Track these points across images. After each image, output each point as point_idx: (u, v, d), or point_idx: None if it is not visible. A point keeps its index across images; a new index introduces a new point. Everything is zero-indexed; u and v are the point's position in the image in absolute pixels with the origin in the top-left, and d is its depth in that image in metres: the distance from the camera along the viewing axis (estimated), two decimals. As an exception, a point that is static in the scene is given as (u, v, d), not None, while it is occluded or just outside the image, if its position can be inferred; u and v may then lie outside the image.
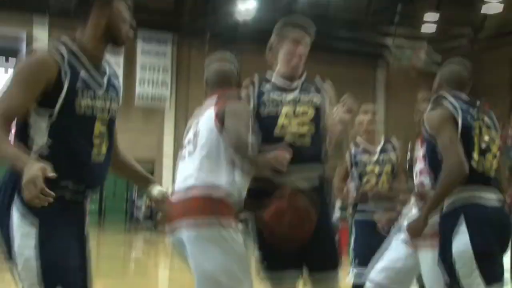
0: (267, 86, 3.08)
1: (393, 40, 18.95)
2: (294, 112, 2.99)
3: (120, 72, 19.33)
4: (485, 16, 19.32)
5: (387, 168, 4.43)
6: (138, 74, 20.71)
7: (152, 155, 20.20)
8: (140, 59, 20.65)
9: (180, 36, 20.75)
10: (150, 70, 20.83)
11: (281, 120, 2.97)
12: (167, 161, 20.43)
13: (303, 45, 3.11)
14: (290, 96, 3.02)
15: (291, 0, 16.96)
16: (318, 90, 3.14)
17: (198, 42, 20.30)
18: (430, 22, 20.00)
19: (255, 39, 19.84)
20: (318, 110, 3.06)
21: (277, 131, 2.95)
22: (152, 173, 19.37)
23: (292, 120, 2.97)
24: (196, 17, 19.29)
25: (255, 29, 18.87)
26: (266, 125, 2.94)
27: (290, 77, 3.11)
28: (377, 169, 4.42)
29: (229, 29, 19.08)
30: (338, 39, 20.10)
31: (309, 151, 2.94)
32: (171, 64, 21.25)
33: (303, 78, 3.14)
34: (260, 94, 3.04)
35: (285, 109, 2.98)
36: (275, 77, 3.10)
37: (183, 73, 21.47)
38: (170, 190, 2.71)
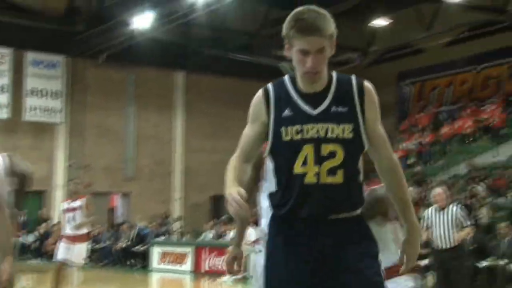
0: None
1: (286, 64, 19.56)
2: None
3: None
4: (375, 31, 20.42)
5: None
6: (28, 96, 20.04)
7: (42, 174, 19.46)
8: (29, 81, 20.01)
9: (74, 55, 20.24)
10: (40, 93, 20.19)
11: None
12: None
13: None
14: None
15: (187, 21, 17.07)
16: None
17: (94, 61, 19.93)
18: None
19: (151, 57, 19.67)
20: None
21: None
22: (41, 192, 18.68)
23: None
24: (91, 35, 18.92)
25: (151, 48, 18.72)
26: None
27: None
28: None
29: (125, 47, 18.85)
30: (234, 60, 20.43)
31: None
32: (63, 84, 20.67)
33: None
34: None
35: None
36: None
37: (78, 91, 20.99)
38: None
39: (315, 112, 2.31)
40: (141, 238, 17.67)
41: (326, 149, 2.29)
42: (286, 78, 2.41)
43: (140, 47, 18.62)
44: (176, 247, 16.39)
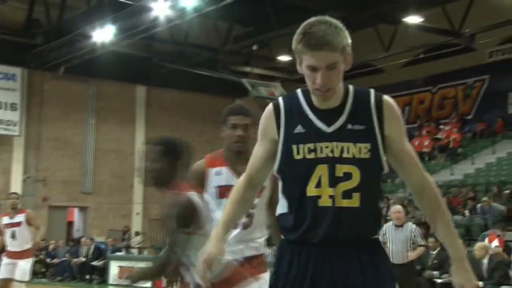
0: None
1: (248, 81, 19.70)
2: None
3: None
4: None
5: None
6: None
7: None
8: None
9: (33, 67, 19.95)
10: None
11: None
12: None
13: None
14: None
15: (149, 36, 17.06)
16: None
17: (53, 74, 19.69)
18: (283, 63, 21.05)
19: (113, 70, 19.56)
20: None
21: None
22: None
23: None
24: (51, 48, 18.69)
25: (113, 61, 18.61)
26: None
27: None
28: None
29: (86, 60, 18.68)
30: (197, 75, 20.46)
31: None
32: (21, 97, 20.30)
33: None
34: None
35: None
36: None
37: (35, 104, 20.65)
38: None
39: (330, 129, 2.12)
40: (99, 253, 17.42)
41: (340, 170, 2.10)
42: (299, 91, 2.21)
43: (101, 60, 18.47)
44: (135, 262, 16.19)
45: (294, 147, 2.13)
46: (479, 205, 14.45)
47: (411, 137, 20.38)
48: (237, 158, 3.35)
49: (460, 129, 19.68)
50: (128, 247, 18.90)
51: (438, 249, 11.24)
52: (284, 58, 20.28)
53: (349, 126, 2.12)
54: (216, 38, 18.55)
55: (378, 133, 2.13)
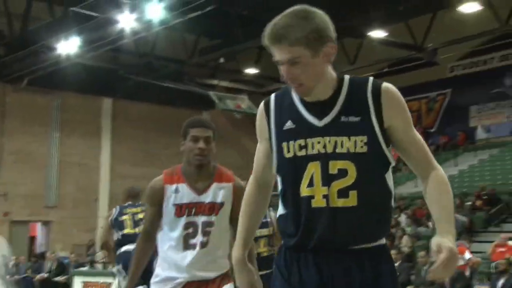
0: None
1: (215, 93, 19.69)
2: None
3: None
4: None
5: None
6: None
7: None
8: None
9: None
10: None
11: None
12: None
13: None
14: None
15: (115, 48, 16.91)
16: None
17: (15, 86, 19.34)
18: (250, 76, 21.11)
19: (78, 82, 19.34)
20: None
21: None
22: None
23: None
24: (14, 59, 18.36)
25: (78, 73, 18.39)
26: None
27: None
28: None
29: (50, 72, 18.40)
30: (163, 88, 20.36)
31: None
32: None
33: None
34: None
35: None
36: None
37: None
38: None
39: (321, 123, 1.94)
40: (62, 268, 17.06)
41: (334, 166, 1.91)
42: None
43: (66, 72, 18.21)
44: (99, 277, 15.90)
45: (284, 144, 1.97)
46: (442, 217, 14.62)
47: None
48: (197, 173, 3.22)
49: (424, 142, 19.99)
50: (92, 262, 18.57)
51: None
52: (250, 71, 20.33)
53: (343, 118, 1.93)
54: (182, 50, 18.50)
55: (376, 124, 1.93)
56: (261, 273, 5.46)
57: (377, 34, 17.54)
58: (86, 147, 21.92)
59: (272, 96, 2.06)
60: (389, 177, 2.02)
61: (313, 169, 1.94)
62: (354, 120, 1.93)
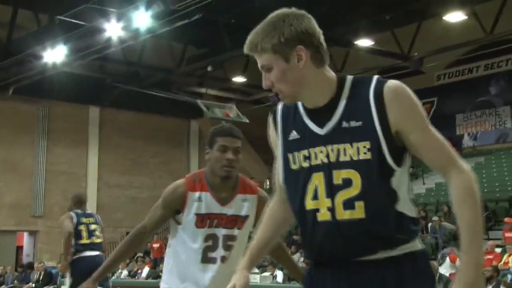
0: None
1: (203, 102, 19.67)
2: None
3: None
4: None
5: None
6: None
7: None
8: None
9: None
10: None
11: None
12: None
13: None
14: None
15: (102, 56, 16.84)
16: None
17: (1, 95, 19.13)
18: (238, 84, 21.11)
19: (65, 91, 19.23)
20: None
21: None
22: None
23: None
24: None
25: (65, 81, 18.28)
26: None
27: None
28: None
29: (37, 81, 18.28)
30: (151, 96, 20.31)
31: None
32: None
33: None
34: None
35: None
36: None
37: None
38: None
39: (323, 131, 1.82)
40: (49, 278, 16.89)
41: (339, 176, 1.78)
42: None
43: (53, 80, 18.11)
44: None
45: (290, 156, 1.87)
46: (430, 224, 14.70)
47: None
48: (222, 184, 3.00)
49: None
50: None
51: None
52: (238, 79, 20.33)
53: (344, 124, 1.79)
54: (170, 59, 18.47)
55: (378, 128, 1.76)
56: None
57: (364, 43, 17.63)
58: (73, 156, 21.79)
59: (279, 105, 1.96)
60: (402, 181, 1.81)
61: (317, 181, 1.82)
62: (356, 125, 1.78)
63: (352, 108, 1.80)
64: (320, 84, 1.83)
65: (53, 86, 18.50)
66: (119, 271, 16.87)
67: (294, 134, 1.88)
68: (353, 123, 1.79)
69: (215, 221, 3.00)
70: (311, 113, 1.86)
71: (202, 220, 2.99)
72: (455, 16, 16.63)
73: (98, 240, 7.03)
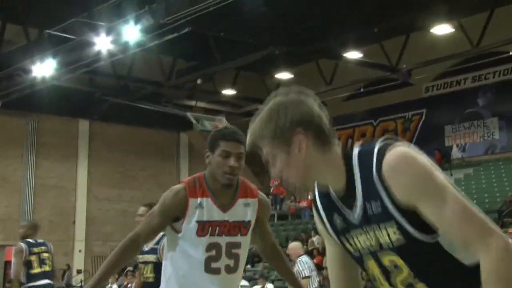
0: None
1: (193, 114, 19.69)
2: None
3: None
4: (279, 84, 21.07)
5: None
6: None
7: None
8: None
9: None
10: None
11: None
12: None
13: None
14: None
15: (91, 70, 16.81)
16: None
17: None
18: (227, 97, 21.14)
19: (54, 104, 19.12)
20: None
21: None
22: None
23: None
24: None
25: (54, 95, 18.22)
26: None
27: None
28: None
29: (26, 94, 18.22)
30: (140, 109, 20.30)
31: None
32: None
33: None
34: None
35: None
36: None
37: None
38: None
39: (356, 216, 1.70)
40: (38, 293, 16.71)
41: (385, 260, 1.67)
42: None
43: (42, 94, 18.04)
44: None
45: (343, 239, 1.77)
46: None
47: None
48: (223, 189, 2.82)
49: (400, 161, 20.16)
50: (69, 286, 18.24)
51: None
52: (228, 92, 20.37)
53: (368, 207, 1.66)
54: (159, 72, 18.48)
55: (392, 208, 1.60)
56: None
57: (353, 55, 17.74)
58: (63, 170, 21.67)
59: (316, 193, 1.85)
60: (457, 260, 1.59)
61: (371, 264, 1.72)
62: (377, 208, 1.64)
63: (368, 189, 1.65)
64: (329, 167, 1.71)
65: (42, 100, 18.42)
66: (109, 285, 16.73)
67: (336, 219, 1.77)
68: (374, 206, 1.65)
69: (217, 229, 2.79)
70: (341, 198, 1.74)
71: (203, 228, 2.77)
72: (442, 29, 16.79)
73: (49, 269, 7.25)
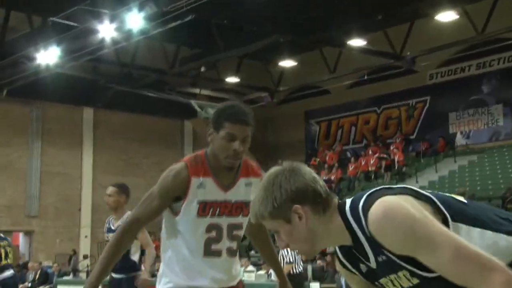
0: None
1: (197, 102, 19.66)
2: None
3: None
4: (282, 72, 21.02)
5: None
6: None
7: None
8: None
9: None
10: None
11: None
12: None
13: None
14: None
15: (95, 58, 16.78)
16: None
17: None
18: (231, 84, 21.10)
19: (59, 92, 19.13)
20: None
21: None
22: None
23: None
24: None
25: (59, 83, 18.20)
26: None
27: None
28: None
29: (30, 82, 18.21)
30: (144, 97, 20.27)
31: None
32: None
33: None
34: None
35: None
36: None
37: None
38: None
39: (374, 265, 1.73)
40: (45, 278, 16.87)
41: None
42: None
43: (46, 82, 18.03)
44: (82, 286, 15.71)
45: (379, 285, 1.80)
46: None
47: (358, 157, 20.69)
48: (224, 169, 2.67)
49: (404, 148, 20.11)
50: (75, 271, 18.38)
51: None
52: (231, 79, 20.31)
53: (380, 260, 1.69)
54: (163, 60, 18.43)
55: (399, 261, 1.63)
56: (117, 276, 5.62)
57: (357, 43, 17.64)
58: (67, 157, 21.72)
59: (336, 248, 1.87)
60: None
61: None
62: (386, 259, 1.68)
63: (371, 244, 1.69)
64: (332, 231, 1.76)
65: (46, 87, 18.42)
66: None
67: (363, 268, 1.81)
68: (383, 258, 1.69)
69: (218, 209, 2.66)
70: (354, 248, 1.78)
71: (204, 208, 2.63)
72: (447, 16, 16.66)
73: (11, 261, 7.83)
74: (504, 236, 1.64)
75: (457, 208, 1.68)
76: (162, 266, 2.77)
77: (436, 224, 1.57)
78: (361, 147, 21.68)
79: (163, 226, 2.76)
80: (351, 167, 20.22)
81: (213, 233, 2.66)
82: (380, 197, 1.65)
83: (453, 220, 1.64)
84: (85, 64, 17.86)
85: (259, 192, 1.80)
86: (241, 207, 2.70)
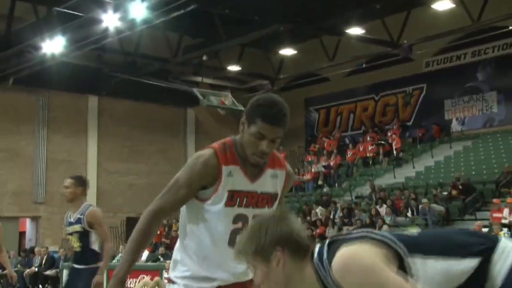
0: None
1: (199, 90, 19.66)
2: None
3: None
4: (282, 60, 20.98)
5: None
6: None
7: None
8: None
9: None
10: None
11: None
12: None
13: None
14: None
15: (99, 46, 16.75)
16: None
17: (1, 86, 18.97)
18: (232, 73, 21.07)
19: (64, 81, 19.08)
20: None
21: None
22: None
23: None
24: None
25: (64, 71, 18.16)
26: None
27: None
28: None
29: (36, 71, 18.19)
30: (148, 85, 20.26)
31: None
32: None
33: None
34: None
35: None
36: None
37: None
38: None
39: None
40: (51, 262, 16.96)
41: None
42: None
43: (52, 71, 18.02)
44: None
45: None
46: (420, 207, 14.79)
47: (356, 143, 20.73)
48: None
49: (401, 135, 20.13)
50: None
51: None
52: (233, 68, 20.28)
53: None
54: (166, 48, 18.39)
55: None
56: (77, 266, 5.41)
57: (355, 31, 17.59)
58: (73, 145, 21.77)
59: None
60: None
61: None
62: None
63: None
64: (305, 279, 1.86)
65: (52, 76, 18.41)
66: (119, 255, 16.93)
67: None
68: None
69: (245, 200, 2.53)
70: None
71: (232, 198, 2.51)
72: (443, 5, 16.60)
73: None
74: (455, 261, 1.78)
75: (411, 242, 1.81)
76: (179, 253, 2.64)
77: (388, 273, 1.70)
78: (359, 133, 21.69)
79: (183, 212, 2.62)
80: (349, 153, 20.26)
81: (239, 224, 2.53)
82: (341, 247, 1.78)
83: (410, 252, 1.78)
84: (89, 53, 17.84)
85: (247, 230, 1.92)
86: (266, 199, 2.61)
